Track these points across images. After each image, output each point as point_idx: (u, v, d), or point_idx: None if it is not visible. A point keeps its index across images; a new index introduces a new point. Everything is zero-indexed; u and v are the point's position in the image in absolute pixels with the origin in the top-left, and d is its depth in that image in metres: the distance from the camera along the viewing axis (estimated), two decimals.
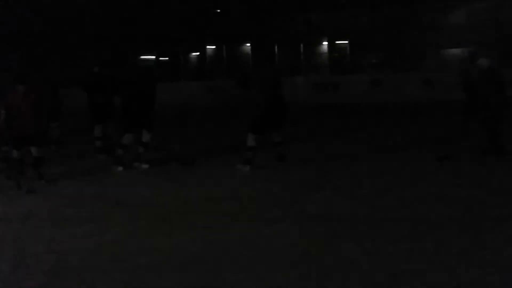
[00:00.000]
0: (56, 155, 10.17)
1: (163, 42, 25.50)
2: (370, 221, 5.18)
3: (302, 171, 8.09)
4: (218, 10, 25.00)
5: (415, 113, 15.09)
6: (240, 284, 3.54)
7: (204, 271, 3.84)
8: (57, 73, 17.04)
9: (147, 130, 8.29)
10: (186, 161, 8.35)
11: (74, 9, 23.77)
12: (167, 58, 26.41)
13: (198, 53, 28.36)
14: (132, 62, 22.89)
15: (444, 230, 4.68)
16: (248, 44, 26.61)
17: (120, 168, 8.38)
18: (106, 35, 24.45)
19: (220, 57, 26.93)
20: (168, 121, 13.26)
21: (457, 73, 8.99)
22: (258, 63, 13.49)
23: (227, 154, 9.41)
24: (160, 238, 4.78)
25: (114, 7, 24.51)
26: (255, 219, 5.42)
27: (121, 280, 3.71)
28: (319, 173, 7.97)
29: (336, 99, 20.38)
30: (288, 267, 3.86)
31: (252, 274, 3.79)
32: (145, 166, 8.41)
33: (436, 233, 4.61)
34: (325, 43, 26.56)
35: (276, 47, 25.29)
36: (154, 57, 26.14)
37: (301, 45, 25.54)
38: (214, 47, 27.87)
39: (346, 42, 25.99)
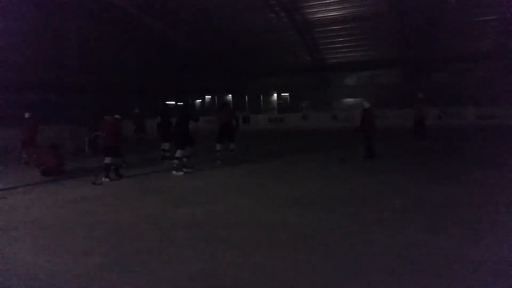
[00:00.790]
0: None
1: (182, 93, 29.44)
2: (303, 199, 6.94)
3: (260, 165, 10.14)
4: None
5: (327, 136, 18.05)
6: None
7: (204, 230, 4.99)
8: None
9: (191, 147, 9.44)
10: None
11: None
12: (182, 103, 29.39)
13: (200, 100, 33.22)
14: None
15: (344, 207, 6.54)
16: (230, 95, 31.64)
17: (178, 173, 9.12)
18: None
19: (213, 103, 31.99)
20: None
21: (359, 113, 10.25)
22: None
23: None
24: (171, 210, 6.13)
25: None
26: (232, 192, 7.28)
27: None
28: (271, 168, 9.90)
29: (281, 127, 24.41)
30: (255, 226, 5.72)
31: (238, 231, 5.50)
32: (187, 170, 9.22)
33: (341, 207, 6.51)
34: (275, 94, 31.52)
35: (246, 97, 30.64)
36: (173, 102, 29.90)
37: (261, 96, 31.13)
38: (210, 96, 33.00)
39: (287, 94, 30.95)
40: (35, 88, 20.62)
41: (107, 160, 8.70)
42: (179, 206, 6.36)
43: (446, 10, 20.82)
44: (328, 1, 21.56)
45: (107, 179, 8.61)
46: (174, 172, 9.08)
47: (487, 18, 21.65)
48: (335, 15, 22.72)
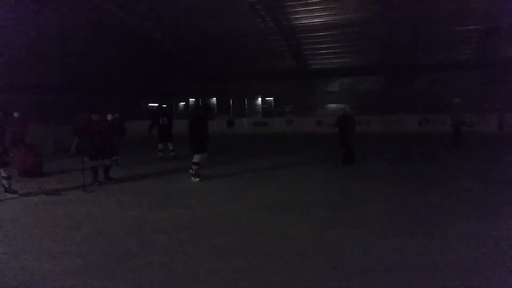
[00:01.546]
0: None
1: (166, 95, 28.74)
2: (284, 203, 7.18)
3: (242, 169, 10.11)
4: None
5: (312, 140, 18.43)
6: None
7: (191, 234, 5.18)
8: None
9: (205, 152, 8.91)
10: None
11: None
12: (165, 105, 26.59)
13: (184, 103, 32.82)
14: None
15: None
16: (214, 98, 31.40)
17: (195, 179, 8.78)
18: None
19: (198, 105, 31.19)
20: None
21: (336, 118, 10.58)
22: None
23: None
24: (161, 212, 6.28)
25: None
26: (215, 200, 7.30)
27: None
28: (254, 172, 9.96)
29: (266, 131, 24.41)
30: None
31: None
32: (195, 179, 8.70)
33: (322, 211, 6.79)
34: (260, 98, 31.41)
35: (230, 100, 30.50)
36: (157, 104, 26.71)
37: (246, 99, 30.79)
38: (194, 99, 32.31)
39: (272, 98, 30.99)
40: (14, 87, 20.33)
41: (94, 162, 8.53)
42: (160, 210, 6.39)
43: (428, 19, 21.39)
44: (314, 7, 21.87)
45: (96, 183, 8.48)
46: (192, 179, 8.70)
47: (467, 28, 22.39)
48: (320, 21, 23.06)
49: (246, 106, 30.89)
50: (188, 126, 8.63)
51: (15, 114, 11.43)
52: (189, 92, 31.34)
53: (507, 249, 4.36)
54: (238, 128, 25.38)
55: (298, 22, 23.63)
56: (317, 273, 3.86)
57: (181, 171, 9.78)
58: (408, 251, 4.33)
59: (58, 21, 22.15)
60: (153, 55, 26.72)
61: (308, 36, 24.78)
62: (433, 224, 5.30)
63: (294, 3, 21.66)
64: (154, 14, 23.26)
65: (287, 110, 30.39)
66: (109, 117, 10.09)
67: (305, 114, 27.90)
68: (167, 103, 28.34)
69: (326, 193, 7.36)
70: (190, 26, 24.45)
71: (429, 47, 23.72)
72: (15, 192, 7.55)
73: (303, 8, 22.11)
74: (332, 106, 28.78)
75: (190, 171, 8.74)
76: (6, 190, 7.57)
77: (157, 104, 24.98)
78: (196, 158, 8.63)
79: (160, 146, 12.32)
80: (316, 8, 21.96)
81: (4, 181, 7.54)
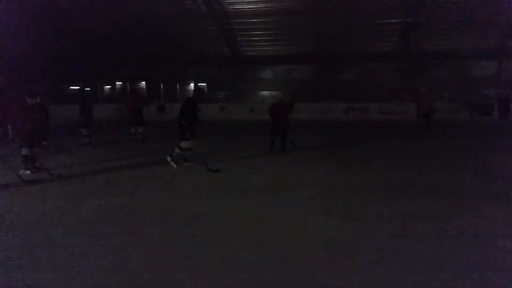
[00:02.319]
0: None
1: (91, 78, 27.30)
2: (221, 188, 7.25)
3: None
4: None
5: (245, 127, 18.74)
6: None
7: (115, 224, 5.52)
8: None
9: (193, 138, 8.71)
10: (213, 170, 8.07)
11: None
12: (89, 89, 26.64)
13: (110, 86, 31.58)
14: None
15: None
16: (143, 82, 30.78)
17: (173, 163, 8.56)
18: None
19: (125, 89, 30.23)
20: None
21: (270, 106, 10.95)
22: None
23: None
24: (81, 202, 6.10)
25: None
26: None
27: None
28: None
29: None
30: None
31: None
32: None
33: (259, 195, 6.95)
34: (192, 84, 30.87)
35: (161, 85, 29.87)
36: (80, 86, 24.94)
37: (177, 84, 30.40)
38: (121, 83, 31.30)
39: (205, 84, 30.41)
40: None
41: (25, 151, 7.87)
42: (89, 199, 6.15)
43: (357, 10, 22.52)
44: None
45: (27, 172, 7.82)
46: (170, 161, 8.49)
47: (390, 21, 23.77)
48: (254, 8, 23.06)
49: (178, 92, 30.33)
50: (180, 110, 8.57)
51: None
52: (117, 76, 30.09)
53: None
54: (169, 113, 24.67)
55: (231, 7, 23.47)
56: (252, 256, 4.01)
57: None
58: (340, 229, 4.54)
59: None
60: (75, 35, 25.20)
61: (242, 22, 24.72)
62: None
63: None
64: None
65: (220, 96, 30.40)
66: (29, 101, 9.03)
67: (238, 101, 28.09)
68: (91, 86, 26.57)
69: (264, 178, 7.60)
70: (120, 7, 23.34)
71: (355, 38, 25.10)
72: None
73: None
74: (265, 93, 29.40)
75: (170, 157, 8.51)
76: None
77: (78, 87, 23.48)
78: (186, 143, 8.39)
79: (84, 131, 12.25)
80: None
81: None
